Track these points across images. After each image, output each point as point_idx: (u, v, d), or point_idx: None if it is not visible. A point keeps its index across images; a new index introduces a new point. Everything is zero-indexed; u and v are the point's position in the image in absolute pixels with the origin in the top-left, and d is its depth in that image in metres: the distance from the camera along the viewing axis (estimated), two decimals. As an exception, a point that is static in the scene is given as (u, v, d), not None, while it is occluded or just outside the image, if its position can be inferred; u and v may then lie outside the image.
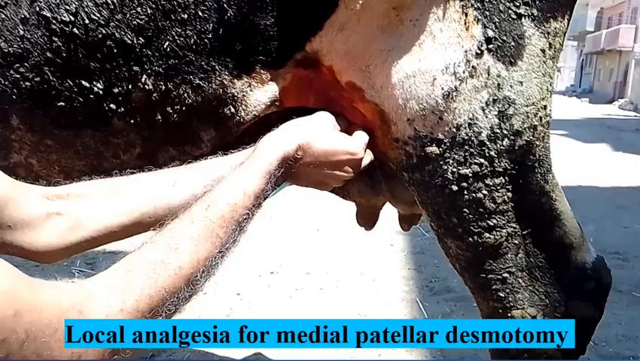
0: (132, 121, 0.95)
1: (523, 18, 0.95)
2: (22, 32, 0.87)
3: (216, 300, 2.74)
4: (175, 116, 0.96)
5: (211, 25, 0.90)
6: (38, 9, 0.86)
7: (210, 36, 0.90)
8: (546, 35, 0.98)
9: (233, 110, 0.97)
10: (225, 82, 0.95)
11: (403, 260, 3.41)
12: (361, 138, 0.98)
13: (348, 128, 1.00)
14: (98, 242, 0.84)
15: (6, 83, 0.89)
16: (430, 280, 3.08)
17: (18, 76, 0.89)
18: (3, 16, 0.86)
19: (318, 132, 0.90)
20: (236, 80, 0.95)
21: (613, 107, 25.23)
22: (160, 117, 0.96)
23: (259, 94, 0.97)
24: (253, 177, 0.77)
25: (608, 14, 39.38)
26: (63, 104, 0.92)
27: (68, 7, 0.86)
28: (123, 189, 0.85)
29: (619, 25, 33.58)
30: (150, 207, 0.83)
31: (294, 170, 0.85)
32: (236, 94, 0.96)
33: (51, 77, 0.90)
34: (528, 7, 0.95)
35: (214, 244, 0.69)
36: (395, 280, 3.10)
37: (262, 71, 0.96)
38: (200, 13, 0.89)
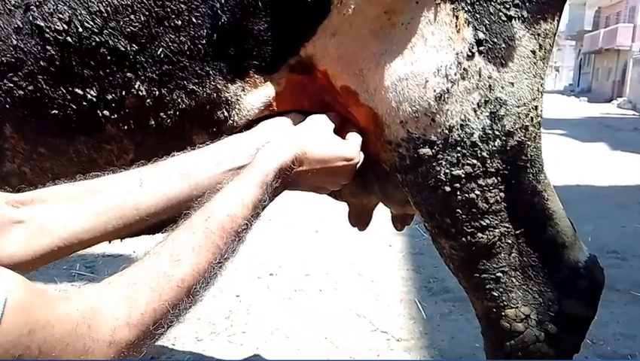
0: (125, 127, 0.96)
1: (513, 20, 0.96)
2: (15, 42, 0.87)
3: (215, 302, 2.74)
4: (168, 121, 0.96)
5: (204, 30, 0.91)
6: (31, 18, 0.86)
7: (204, 42, 0.91)
8: (536, 37, 0.99)
9: (226, 114, 0.98)
10: (219, 86, 0.95)
11: (401, 261, 3.41)
12: (355, 141, 0.99)
13: (342, 127, 1.01)
14: (66, 250, 0.80)
15: (-1, 92, 0.90)
16: (428, 281, 3.09)
17: (11, 85, 0.90)
18: None
19: (314, 139, 0.91)
20: (229, 84, 0.96)
21: (611, 106, 25.26)
22: (153, 123, 0.96)
23: (252, 98, 0.98)
24: (250, 187, 0.78)
25: (605, 13, 39.41)
26: (56, 111, 0.92)
27: (61, 16, 0.86)
28: (89, 192, 0.82)
29: (617, 24, 33.64)
30: (118, 211, 0.81)
31: (291, 179, 0.86)
32: (229, 98, 0.97)
33: (44, 86, 0.90)
34: (518, 9, 0.96)
35: (214, 254, 0.70)
36: (394, 281, 3.10)
37: (256, 76, 0.97)
38: (194, 20, 0.89)
